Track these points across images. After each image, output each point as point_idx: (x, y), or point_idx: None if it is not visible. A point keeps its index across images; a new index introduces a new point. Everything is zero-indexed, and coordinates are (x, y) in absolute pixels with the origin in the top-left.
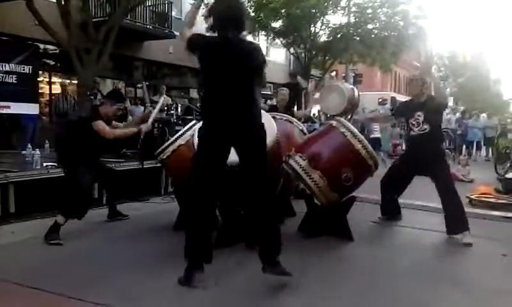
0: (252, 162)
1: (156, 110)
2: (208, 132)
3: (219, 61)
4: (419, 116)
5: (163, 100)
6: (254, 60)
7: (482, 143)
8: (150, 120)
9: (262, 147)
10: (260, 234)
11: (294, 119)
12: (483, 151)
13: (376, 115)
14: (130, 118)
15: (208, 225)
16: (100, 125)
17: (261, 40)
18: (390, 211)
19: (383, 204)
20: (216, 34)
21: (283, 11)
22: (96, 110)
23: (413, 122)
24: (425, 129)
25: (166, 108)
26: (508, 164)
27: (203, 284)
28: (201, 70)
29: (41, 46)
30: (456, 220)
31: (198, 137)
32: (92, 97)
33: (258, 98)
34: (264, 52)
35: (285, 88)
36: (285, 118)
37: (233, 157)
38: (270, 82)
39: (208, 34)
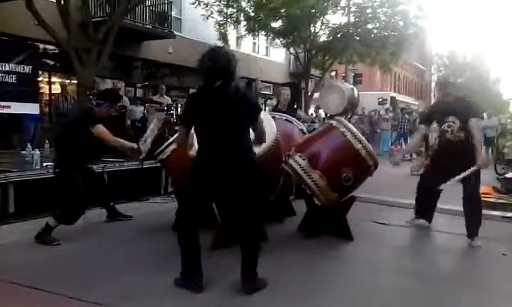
0: (241, 193)
1: (152, 136)
2: (201, 169)
3: (207, 111)
4: (453, 122)
5: (154, 124)
6: (251, 108)
7: (483, 143)
8: (149, 141)
9: (251, 178)
10: (244, 250)
11: (294, 119)
12: (483, 151)
13: (413, 144)
14: (128, 121)
15: (197, 240)
16: (101, 129)
17: (261, 40)
18: (425, 213)
19: (418, 209)
20: (204, 88)
21: (282, 11)
22: (92, 112)
23: (446, 128)
24: (459, 136)
25: (166, 108)
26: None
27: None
28: (197, 121)
29: (41, 46)
30: (474, 225)
31: (190, 173)
32: (91, 97)
33: (248, 135)
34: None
35: (286, 87)
36: (284, 118)
37: None
38: (270, 82)
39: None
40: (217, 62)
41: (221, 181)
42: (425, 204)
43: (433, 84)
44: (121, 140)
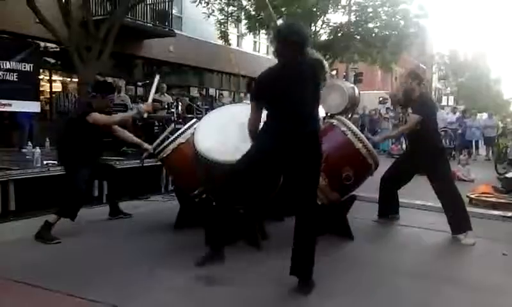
0: (306, 174)
1: (153, 91)
2: (270, 136)
3: (286, 83)
4: (409, 113)
5: (157, 79)
6: (315, 74)
7: (482, 143)
8: (150, 98)
9: (320, 159)
10: (299, 246)
11: None
12: (483, 151)
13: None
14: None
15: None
16: (96, 116)
17: (262, 38)
18: (387, 211)
19: (380, 204)
20: (281, 60)
21: (283, 9)
22: (90, 106)
23: (407, 119)
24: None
25: (166, 106)
26: (506, 163)
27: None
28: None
29: (42, 44)
30: (458, 219)
31: (257, 143)
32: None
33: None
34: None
35: None
36: None
37: (227, 156)
38: None
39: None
40: (302, 36)
41: (292, 154)
42: (388, 200)
43: (434, 84)
44: (120, 114)
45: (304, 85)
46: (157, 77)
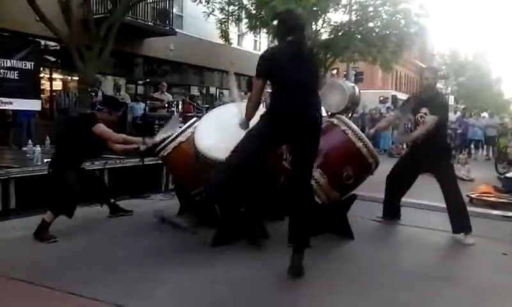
0: (304, 156)
1: (161, 133)
2: (273, 118)
3: (295, 64)
4: (425, 113)
5: (171, 124)
6: (316, 60)
7: (483, 142)
8: (158, 137)
9: (318, 141)
10: (295, 217)
11: None
12: (484, 150)
13: (386, 120)
14: (129, 118)
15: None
16: (103, 128)
17: (262, 38)
18: (392, 212)
19: (386, 204)
20: (285, 42)
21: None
22: (94, 116)
23: (419, 119)
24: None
25: (166, 105)
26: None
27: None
28: (275, 76)
29: (43, 42)
30: (459, 219)
31: (260, 121)
32: (93, 94)
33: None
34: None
35: None
36: None
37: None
38: None
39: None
40: (300, 20)
41: (292, 134)
42: (393, 203)
43: None
44: (124, 135)
45: (306, 65)
46: (172, 120)
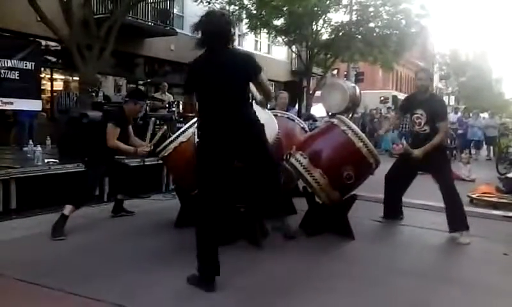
0: (255, 158)
1: (148, 135)
2: (208, 140)
3: (205, 77)
4: (421, 114)
5: (152, 123)
6: (247, 67)
7: (483, 142)
8: (147, 142)
9: (259, 139)
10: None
11: (296, 117)
12: (484, 151)
13: (389, 123)
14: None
15: (216, 231)
16: (109, 129)
17: (263, 38)
18: (393, 212)
19: (386, 204)
20: (205, 49)
21: (285, 8)
22: (121, 110)
23: (415, 120)
24: (425, 130)
25: (167, 105)
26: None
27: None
28: (196, 88)
29: (43, 42)
30: (455, 218)
31: (198, 147)
32: (93, 94)
33: (248, 100)
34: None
35: (285, 91)
36: (286, 116)
37: None
38: (271, 80)
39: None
40: (215, 26)
41: (230, 148)
42: (393, 202)
43: (435, 83)
44: (121, 145)
45: (229, 77)
46: (152, 121)
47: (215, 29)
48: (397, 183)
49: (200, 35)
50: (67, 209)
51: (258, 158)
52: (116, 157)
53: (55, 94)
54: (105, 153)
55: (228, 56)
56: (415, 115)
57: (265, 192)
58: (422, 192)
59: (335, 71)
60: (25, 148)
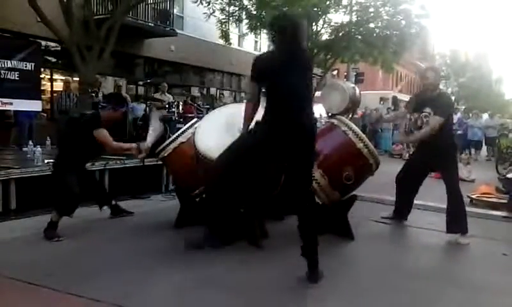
0: (302, 165)
1: (152, 133)
2: (270, 127)
3: (286, 70)
4: (429, 113)
5: (159, 126)
6: (310, 66)
7: (483, 143)
8: (149, 140)
9: (312, 145)
10: (303, 235)
11: None
12: (484, 151)
13: (391, 116)
14: (130, 119)
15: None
16: (103, 133)
17: (263, 39)
18: (402, 213)
19: (398, 205)
20: (277, 47)
21: (285, 9)
22: (97, 116)
23: (423, 118)
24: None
25: (167, 106)
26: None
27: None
28: (267, 81)
29: (43, 43)
30: (455, 219)
31: (255, 128)
32: (93, 94)
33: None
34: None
35: None
36: None
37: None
38: None
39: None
40: (295, 24)
41: (289, 146)
42: (404, 202)
43: None
44: (122, 143)
45: (300, 72)
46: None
47: (297, 28)
48: (408, 184)
49: (274, 32)
50: (54, 216)
51: (301, 173)
52: (116, 157)
53: (55, 94)
54: (77, 160)
55: (303, 55)
56: (423, 113)
57: (301, 220)
58: (422, 192)
59: (335, 72)
60: (25, 149)
